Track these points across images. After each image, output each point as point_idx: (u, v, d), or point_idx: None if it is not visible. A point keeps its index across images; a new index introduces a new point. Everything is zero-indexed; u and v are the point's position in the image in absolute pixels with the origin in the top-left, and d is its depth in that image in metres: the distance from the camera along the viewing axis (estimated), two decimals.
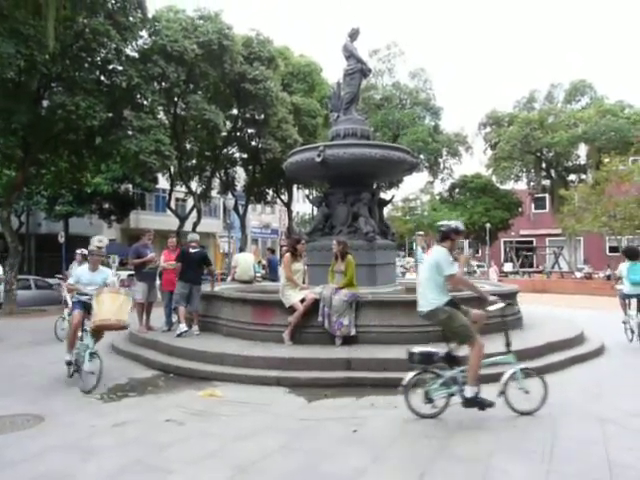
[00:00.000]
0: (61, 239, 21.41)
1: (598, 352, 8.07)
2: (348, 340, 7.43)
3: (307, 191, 29.86)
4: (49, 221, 28.21)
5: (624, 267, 9.05)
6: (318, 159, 9.39)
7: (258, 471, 3.84)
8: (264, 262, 17.81)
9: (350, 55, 10.63)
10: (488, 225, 37.35)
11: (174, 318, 9.28)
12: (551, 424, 4.78)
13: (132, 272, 22.20)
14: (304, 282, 8.27)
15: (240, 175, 30.21)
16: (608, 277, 24.67)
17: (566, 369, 6.97)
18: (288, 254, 8.20)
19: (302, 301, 7.59)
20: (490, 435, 4.53)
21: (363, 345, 7.31)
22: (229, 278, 13.36)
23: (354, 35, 10.76)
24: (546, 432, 4.56)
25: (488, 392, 4.91)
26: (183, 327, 8.36)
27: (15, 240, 17.01)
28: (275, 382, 6.33)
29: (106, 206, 27.88)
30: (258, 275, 14.39)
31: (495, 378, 5.05)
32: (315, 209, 38.92)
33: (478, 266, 36.59)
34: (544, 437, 4.44)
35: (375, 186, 11.97)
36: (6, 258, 17.19)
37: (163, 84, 18.58)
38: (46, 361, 7.67)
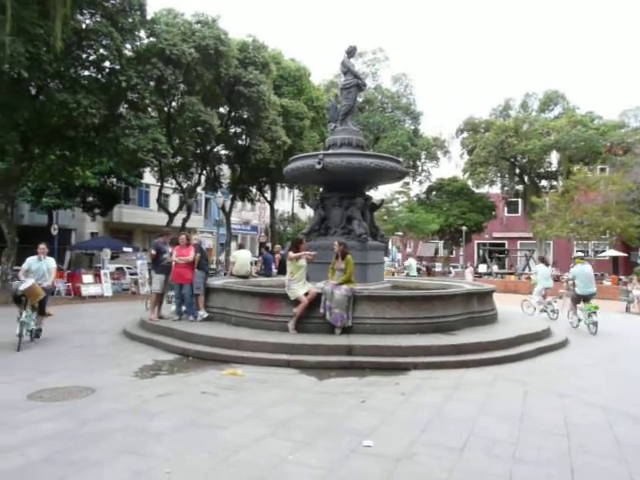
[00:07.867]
0: (54, 231, 21.80)
1: (563, 344, 9.27)
2: (346, 330, 8.40)
3: (301, 194, 30.88)
4: (33, 213, 28.32)
5: None
6: (318, 166, 10.34)
7: (294, 427, 4.78)
8: (255, 259, 18.63)
9: (347, 71, 11.59)
10: (464, 228, 38.77)
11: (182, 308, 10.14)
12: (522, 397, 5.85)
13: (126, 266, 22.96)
14: (307, 278, 9.19)
15: (225, 172, 30.85)
16: None
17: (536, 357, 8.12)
18: (291, 252, 9.12)
19: (306, 295, 8.53)
20: (471, 404, 5.55)
21: (359, 334, 8.28)
22: (227, 273, 14.18)
23: (351, 52, 11.72)
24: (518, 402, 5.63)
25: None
26: (204, 313, 9.36)
27: (12, 232, 17.46)
28: (286, 364, 7.25)
29: (90, 199, 28.09)
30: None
31: None
32: (298, 207, 39.20)
33: (453, 267, 37.94)
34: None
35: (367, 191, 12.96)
36: (3, 249, 17.60)
37: (161, 85, 19.12)
38: (73, 345, 8.40)
